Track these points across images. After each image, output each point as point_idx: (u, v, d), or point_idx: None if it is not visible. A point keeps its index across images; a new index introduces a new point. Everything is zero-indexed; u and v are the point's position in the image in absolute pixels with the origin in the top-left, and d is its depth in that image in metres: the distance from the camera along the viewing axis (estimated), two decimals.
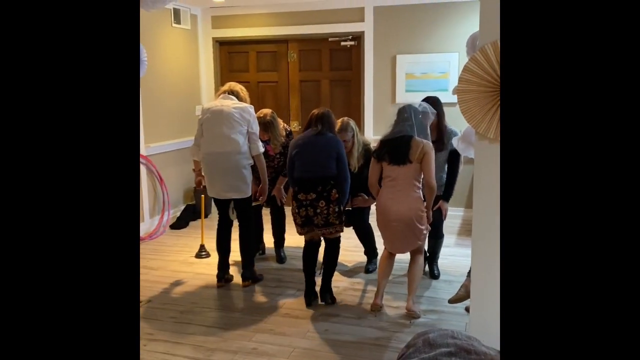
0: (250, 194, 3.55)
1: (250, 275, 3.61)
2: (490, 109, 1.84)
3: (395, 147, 3.08)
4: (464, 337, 0.90)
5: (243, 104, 3.51)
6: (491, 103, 1.83)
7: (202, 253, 4.26)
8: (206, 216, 5.34)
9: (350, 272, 3.89)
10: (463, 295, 3.01)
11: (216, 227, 3.63)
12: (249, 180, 3.50)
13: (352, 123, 3.71)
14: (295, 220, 3.29)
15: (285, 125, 4.02)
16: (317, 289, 3.36)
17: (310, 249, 3.36)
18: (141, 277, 3.72)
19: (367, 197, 3.70)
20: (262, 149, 3.51)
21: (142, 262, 4.04)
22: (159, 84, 5.18)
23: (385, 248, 3.28)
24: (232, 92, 3.57)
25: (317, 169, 3.17)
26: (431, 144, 3.11)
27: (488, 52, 1.81)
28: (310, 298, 3.32)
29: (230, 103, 3.47)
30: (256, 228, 4.15)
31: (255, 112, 3.60)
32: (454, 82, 5.02)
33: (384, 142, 3.17)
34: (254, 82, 5.95)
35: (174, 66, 5.40)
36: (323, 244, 3.40)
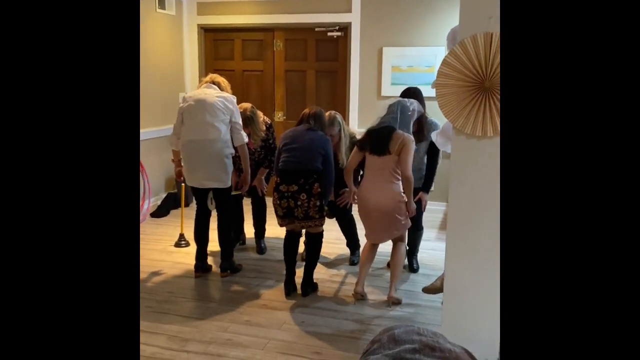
0: (230, 184, 3.52)
1: (228, 266, 3.59)
2: (468, 104, 1.82)
3: (377, 138, 3.13)
4: (430, 333, 0.88)
5: (226, 94, 3.48)
6: (469, 98, 1.82)
7: (181, 242, 4.23)
8: (187, 205, 5.30)
9: (331, 264, 3.88)
10: (438, 286, 3.01)
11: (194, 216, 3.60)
12: (230, 170, 3.47)
13: (339, 117, 3.71)
14: (276, 211, 3.28)
15: (265, 118, 3.98)
16: (299, 280, 3.35)
17: (290, 239, 3.36)
18: None
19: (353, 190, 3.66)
20: (246, 139, 3.48)
21: None
22: (142, 71, 5.09)
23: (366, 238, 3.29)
24: (214, 83, 3.53)
25: (301, 162, 3.17)
26: (412, 137, 3.14)
27: (467, 46, 1.79)
28: (289, 288, 3.32)
29: (214, 92, 3.43)
30: (237, 218, 4.13)
31: (238, 103, 3.56)
32: None
33: (368, 133, 3.22)
34: (239, 71, 5.88)
35: (158, 52, 5.32)
36: (303, 234, 3.39)
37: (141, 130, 5.05)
